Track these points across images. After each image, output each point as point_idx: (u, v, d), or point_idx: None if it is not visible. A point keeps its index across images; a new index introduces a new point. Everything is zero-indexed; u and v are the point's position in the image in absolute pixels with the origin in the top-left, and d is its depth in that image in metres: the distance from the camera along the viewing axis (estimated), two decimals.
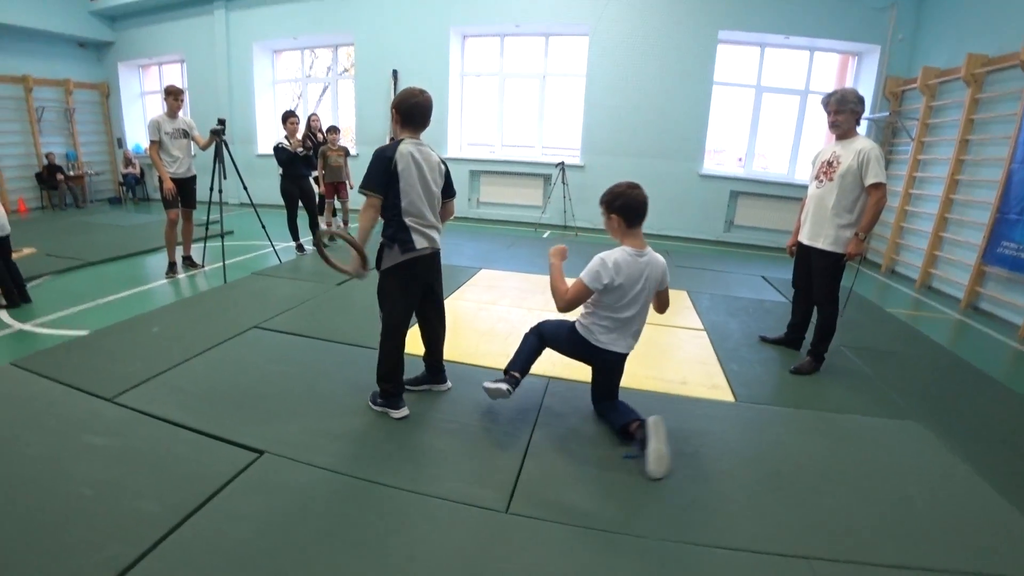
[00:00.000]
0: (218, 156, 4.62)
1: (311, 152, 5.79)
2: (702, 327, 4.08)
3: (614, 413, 2.52)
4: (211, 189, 4.68)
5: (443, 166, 2.57)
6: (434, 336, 2.82)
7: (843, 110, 3.10)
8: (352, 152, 6.77)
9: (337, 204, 6.44)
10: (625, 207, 2.31)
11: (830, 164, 3.18)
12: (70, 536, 1.73)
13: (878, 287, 5.99)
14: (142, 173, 10.57)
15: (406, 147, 2.41)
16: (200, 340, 3.34)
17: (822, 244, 3.21)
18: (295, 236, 5.92)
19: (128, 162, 10.42)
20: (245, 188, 5.08)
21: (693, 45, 7.16)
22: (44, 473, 2.04)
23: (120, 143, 10.69)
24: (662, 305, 2.53)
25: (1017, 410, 3.08)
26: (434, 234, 2.52)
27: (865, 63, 7.07)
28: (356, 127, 8.69)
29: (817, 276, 3.30)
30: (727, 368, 3.36)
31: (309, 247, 5.98)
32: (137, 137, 10.87)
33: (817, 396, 3.07)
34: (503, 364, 2.70)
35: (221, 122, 4.58)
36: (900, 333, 4.32)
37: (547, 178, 8.07)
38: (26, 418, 2.44)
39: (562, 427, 2.58)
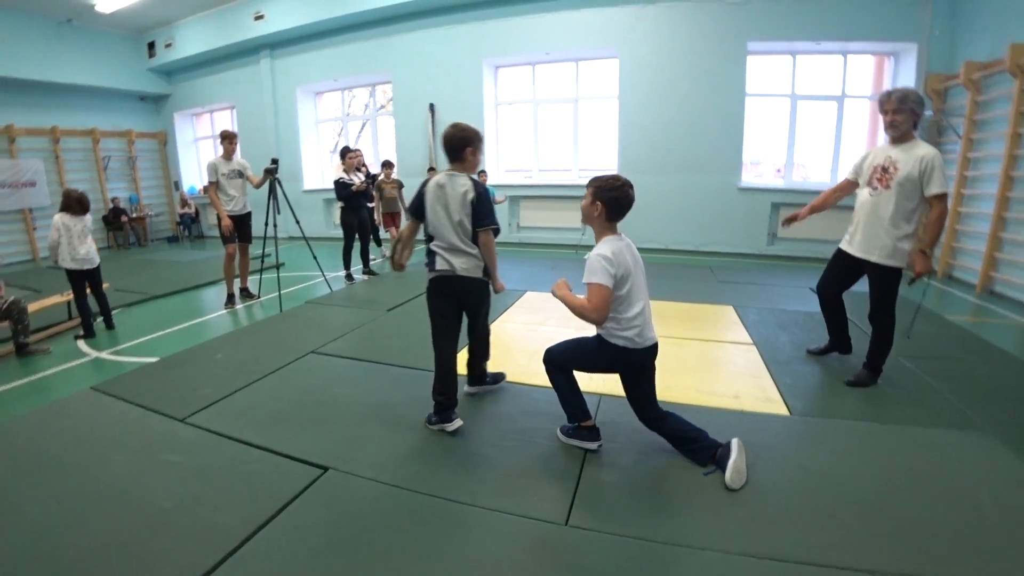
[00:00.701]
0: (272, 193, 4.92)
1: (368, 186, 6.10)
2: (751, 341, 4.00)
3: (683, 437, 2.43)
4: (266, 224, 4.97)
5: (469, 196, 2.60)
6: (472, 354, 3.08)
7: (903, 109, 2.88)
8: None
9: (391, 233, 6.76)
10: (614, 201, 2.29)
11: (885, 170, 2.96)
12: (154, 545, 1.87)
13: (936, 294, 5.73)
14: (197, 213, 11.28)
15: (436, 178, 2.68)
16: (262, 365, 3.53)
17: (877, 257, 3.03)
18: (348, 265, 6.20)
19: (184, 203, 11.15)
20: (297, 222, 5.37)
21: (722, 58, 7.18)
22: (128, 488, 2.21)
23: (177, 186, 11.47)
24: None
25: None
26: (457, 258, 2.64)
27: (903, 62, 6.91)
28: (397, 160, 9.01)
29: (875, 290, 3.12)
30: (780, 382, 3.27)
31: (358, 276, 6.23)
32: (191, 179, 11.62)
33: (876, 408, 2.93)
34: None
35: (275, 161, 4.90)
36: (962, 340, 4.08)
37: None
38: (109, 438, 2.67)
39: (615, 441, 2.57)
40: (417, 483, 2.24)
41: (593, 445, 2.51)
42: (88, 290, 4.48)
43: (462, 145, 2.65)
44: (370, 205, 6.41)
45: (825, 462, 2.42)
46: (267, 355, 3.73)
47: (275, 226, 4.98)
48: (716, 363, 3.63)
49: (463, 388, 3.06)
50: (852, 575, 1.74)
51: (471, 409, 2.94)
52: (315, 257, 5.53)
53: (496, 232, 2.76)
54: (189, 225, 11.22)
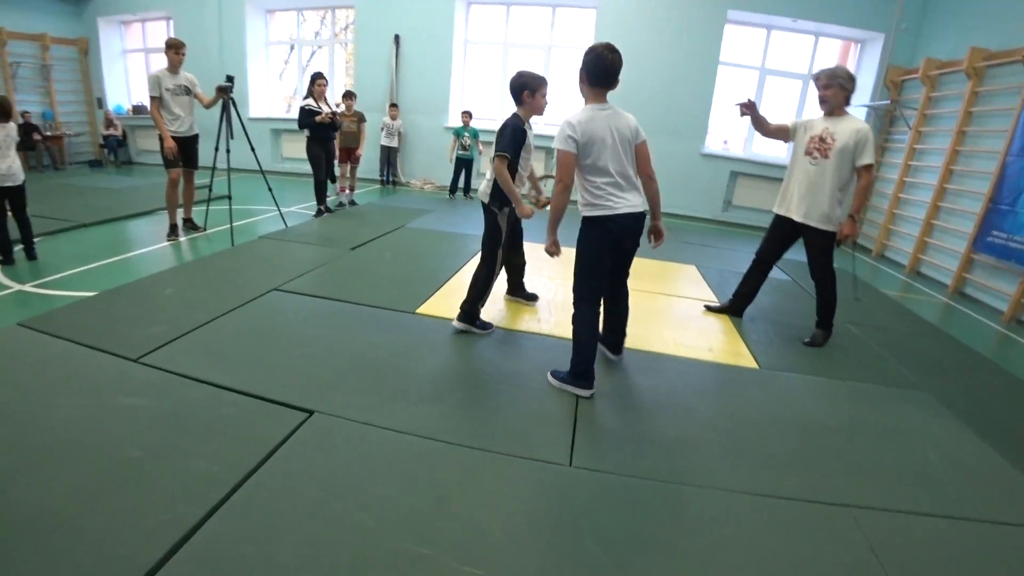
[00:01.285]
0: (225, 115, 4.46)
1: (335, 117, 5.68)
2: (717, 301, 4.17)
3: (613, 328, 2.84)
4: (216, 150, 4.53)
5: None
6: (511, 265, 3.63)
7: (832, 85, 3.11)
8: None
9: (342, 172, 6.39)
10: (591, 64, 2.34)
11: (823, 140, 3.15)
12: (125, 499, 1.66)
13: (869, 270, 6.18)
14: (124, 135, 10.11)
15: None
16: (219, 302, 3.28)
17: (815, 222, 3.26)
18: (321, 199, 5.83)
19: (109, 123, 9.94)
20: (253, 149, 4.92)
21: (701, 23, 7.14)
22: (83, 437, 1.95)
23: (100, 103, 10.17)
24: (643, 163, 2.51)
25: (1008, 385, 3.29)
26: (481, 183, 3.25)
27: (868, 51, 7.17)
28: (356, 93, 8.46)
29: (816, 254, 3.38)
30: (747, 339, 3.49)
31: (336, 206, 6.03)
32: (118, 97, 10.37)
33: (832, 366, 3.22)
34: (547, 328, 3.14)
35: (230, 79, 4.43)
36: (897, 312, 4.52)
37: (550, 152, 8.02)
38: (51, 381, 2.32)
39: (604, 387, 2.66)
40: (414, 427, 2.18)
41: (586, 393, 2.53)
42: (8, 212, 3.93)
43: (519, 88, 2.94)
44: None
45: (794, 411, 2.63)
46: (224, 291, 3.47)
47: (228, 152, 4.55)
48: (688, 318, 3.78)
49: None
50: (829, 509, 1.92)
51: (459, 352, 2.93)
52: (270, 189, 5.14)
53: (506, 160, 2.88)
54: (115, 149, 10.01)
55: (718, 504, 1.91)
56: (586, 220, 2.47)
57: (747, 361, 3.18)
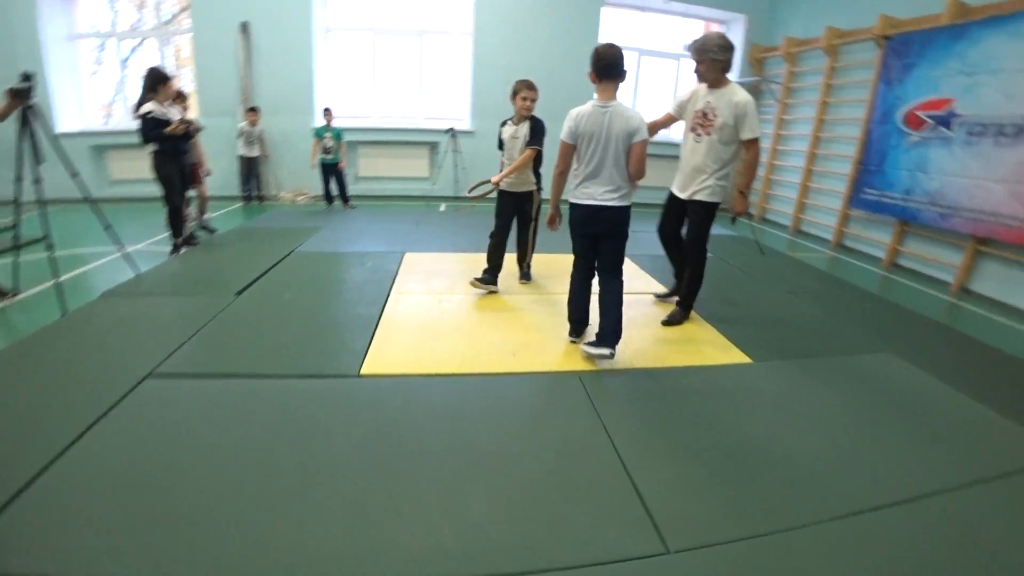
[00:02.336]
0: (27, 131, 3.15)
1: (190, 126, 4.39)
2: (668, 290, 4.00)
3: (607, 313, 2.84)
4: (18, 180, 3.20)
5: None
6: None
7: (703, 59, 3.01)
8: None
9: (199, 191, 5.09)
10: (595, 61, 2.60)
11: (705, 115, 3.07)
12: None
13: (754, 233, 6.62)
14: None
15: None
16: (58, 426, 2.05)
17: (704, 197, 3.17)
18: (179, 230, 4.50)
19: None
20: (76, 175, 3.56)
21: (580, 5, 6.99)
22: None
23: None
24: (634, 162, 2.65)
25: (936, 329, 3.70)
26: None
27: (732, 31, 7.62)
28: (198, 93, 6.90)
29: (695, 226, 3.28)
30: (721, 330, 3.34)
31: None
32: None
33: (807, 344, 3.26)
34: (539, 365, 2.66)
35: (27, 78, 3.07)
36: (808, 272, 4.93)
37: (433, 146, 7.38)
38: None
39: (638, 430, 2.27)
40: None
41: (569, 338, 3.04)
42: None
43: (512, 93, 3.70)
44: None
45: (809, 398, 2.62)
46: (64, 400, 2.25)
47: (37, 183, 3.25)
48: (658, 316, 3.52)
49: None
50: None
51: (462, 425, 2.26)
52: (109, 226, 3.81)
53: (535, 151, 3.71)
54: None
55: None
56: (569, 204, 2.79)
57: (738, 356, 3.03)
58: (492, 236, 3.84)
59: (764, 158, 7.24)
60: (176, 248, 4.50)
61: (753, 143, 3.03)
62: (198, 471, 1.85)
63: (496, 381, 2.61)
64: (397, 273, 4.16)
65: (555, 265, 4.54)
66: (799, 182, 6.60)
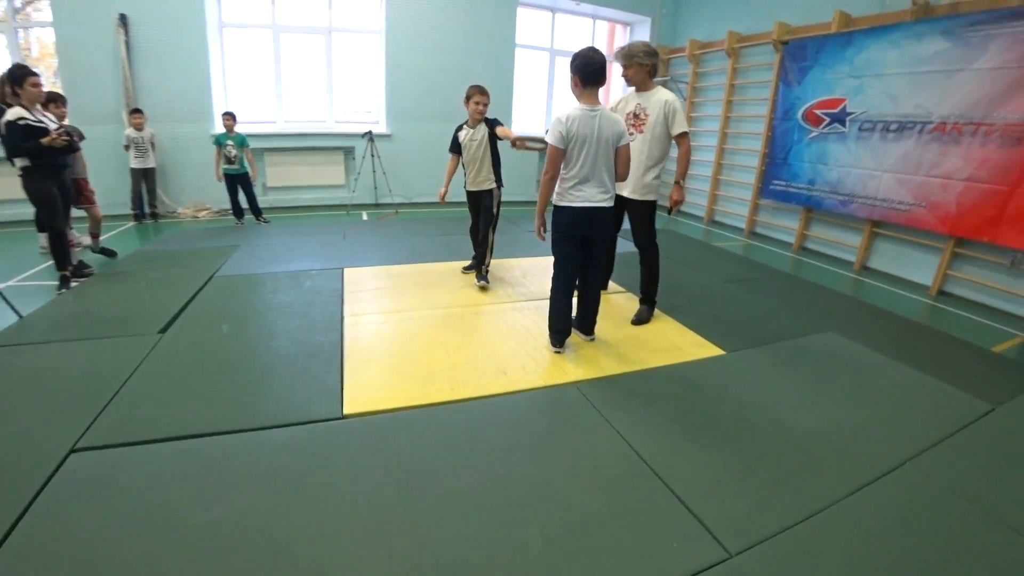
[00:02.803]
0: None
1: (69, 135, 3.59)
2: (622, 288, 4.12)
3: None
4: None
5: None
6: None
7: (631, 64, 3.18)
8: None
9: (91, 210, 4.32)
10: (581, 67, 2.58)
11: (637, 116, 3.25)
12: None
13: (676, 224, 7.02)
14: None
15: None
16: None
17: (641, 195, 3.30)
18: (65, 260, 3.73)
19: None
20: None
21: (496, 5, 6.90)
22: None
23: None
24: (622, 164, 2.77)
25: (864, 308, 4.12)
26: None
27: (638, 33, 7.94)
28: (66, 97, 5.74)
29: (637, 225, 3.41)
30: (687, 325, 3.46)
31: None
32: None
33: (764, 331, 3.48)
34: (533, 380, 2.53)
35: None
36: (737, 262, 5.27)
37: (348, 152, 6.92)
38: None
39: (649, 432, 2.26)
40: None
41: (553, 348, 2.97)
42: None
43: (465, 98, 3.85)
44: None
45: (784, 382, 2.78)
46: None
47: None
48: (625, 316, 3.55)
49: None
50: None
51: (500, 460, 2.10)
52: None
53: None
54: None
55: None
56: (554, 208, 2.81)
57: (712, 349, 3.16)
58: (472, 231, 4.25)
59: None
60: (65, 281, 3.75)
61: (684, 136, 3.20)
62: (174, 570, 1.49)
63: (496, 404, 2.46)
64: (343, 292, 3.81)
65: (504, 269, 4.47)
66: (711, 175, 7.06)
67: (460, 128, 3.93)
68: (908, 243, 4.90)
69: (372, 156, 6.75)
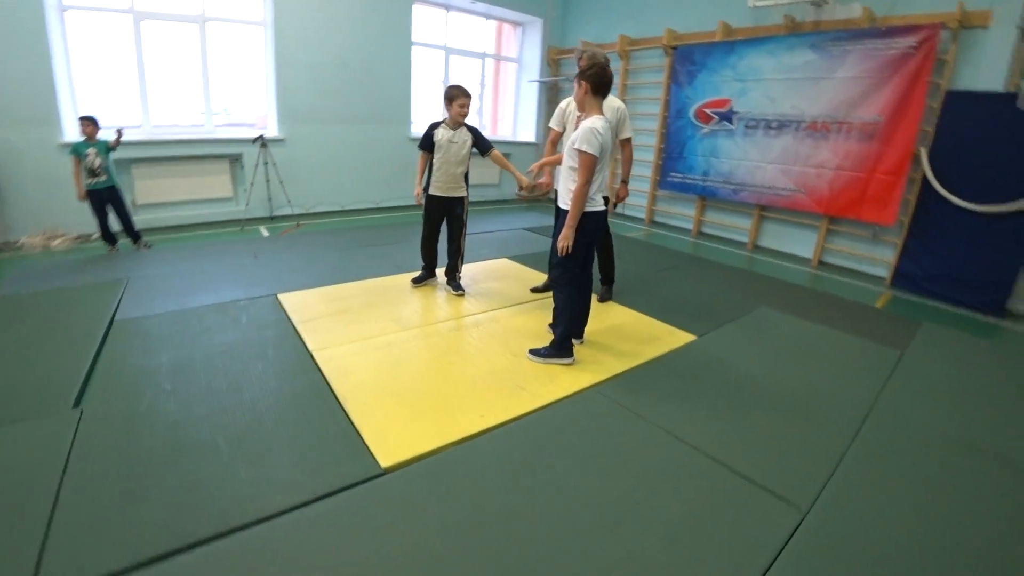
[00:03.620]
0: None
1: None
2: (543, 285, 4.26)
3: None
4: None
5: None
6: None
7: (597, 62, 3.47)
8: None
9: None
10: (595, 76, 2.66)
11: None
12: None
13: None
14: None
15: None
16: None
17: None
18: None
19: None
20: None
21: (390, 2, 6.55)
22: None
23: None
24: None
25: (769, 283, 4.79)
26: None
27: (529, 33, 8.08)
28: None
29: None
30: (653, 316, 3.73)
31: None
32: None
33: (715, 312, 3.93)
34: (555, 391, 2.68)
35: None
36: (660, 252, 5.73)
37: (235, 159, 6.13)
38: None
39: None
40: None
41: (570, 360, 2.94)
42: None
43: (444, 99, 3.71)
44: None
45: (749, 356, 3.23)
46: None
47: None
48: (604, 315, 3.70)
49: None
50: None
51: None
52: None
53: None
54: None
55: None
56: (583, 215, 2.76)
57: (685, 336, 3.45)
58: (424, 240, 4.04)
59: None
60: None
61: (629, 141, 3.59)
62: None
63: (533, 422, 2.42)
64: (292, 323, 3.39)
65: (468, 272, 4.36)
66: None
67: (436, 127, 3.73)
68: (791, 223, 5.74)
69: (265, 164, 6.06)
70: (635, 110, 7.15)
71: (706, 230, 6.64)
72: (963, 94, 4.32)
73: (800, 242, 5.70)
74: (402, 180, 7.30)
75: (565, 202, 2.79)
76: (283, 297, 3.81)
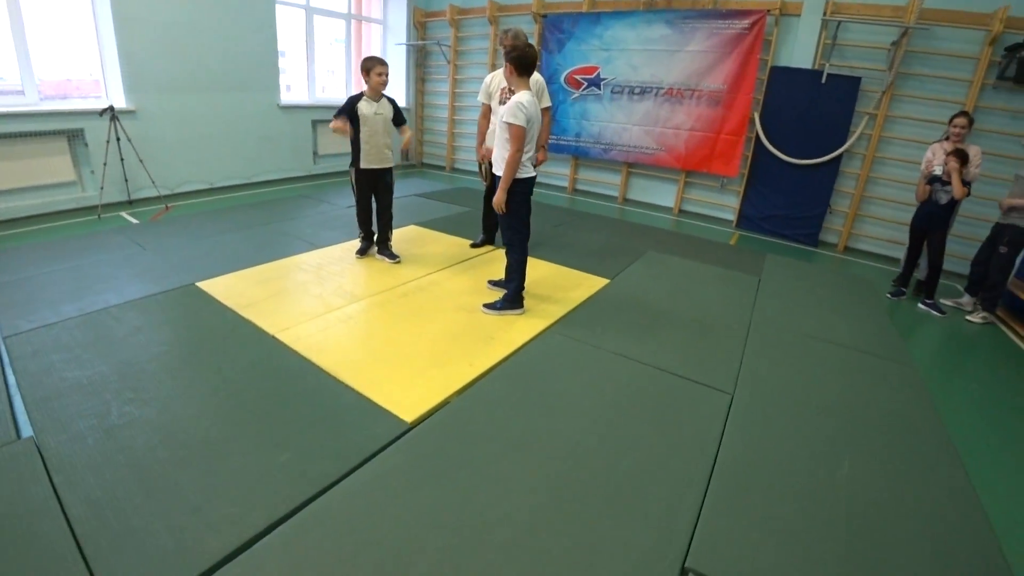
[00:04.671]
0: None
1: None
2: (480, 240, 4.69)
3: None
4: None
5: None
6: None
7: (519, 44, 3.92)
8: None
9: None
10: (518, 59, 2.99)
11: (513, 91, 4.00)
12: None
13: (468, 183, 7.69)
14: None
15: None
16: None
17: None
18: None
19: None
20: None
21: None
22: None
23: None
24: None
25: (643, 231, 5.67)
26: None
27: None
28: None
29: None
30: (569, 265, 4.29)
31: None
32: None
33: (613, 259, 4.55)
34: (524, 333, 3.20)
35: None
36: (547, 209, 6.26)
37: (75, 136, 5.24)
38: None
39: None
40: None
41: (522, 310, 3.37)
42: None
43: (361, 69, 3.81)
44: None
45: (662, 292, 3.91)
46: None
47: None
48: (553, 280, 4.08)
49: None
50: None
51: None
52: None
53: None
54: None
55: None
56: (516, 180, 3.10)
57: (600, 280, 4.04)
58: (361, 212, 4.11)
59: (445, 114, 8.17)
60: None
61: (548, 110, 3.92)
62: None
63: (513, 364, 2.79)
64: (232, 309, 3.25)
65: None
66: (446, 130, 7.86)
67: (359, 99, 3.76)
68: (655, 178, 6.68)
69: (118, 140, 5.30)
70: None
71: (580, 187, 7.38)
72: (783, 69, 5.45)
73: (663, 194, 6.69)
74: (272, 152, 6.87)
75: (500, 169, 3.10)
76: (204, 285, 3.59)
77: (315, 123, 7.33)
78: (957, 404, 2.89)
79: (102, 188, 5.33)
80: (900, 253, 4.74)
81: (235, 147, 6.45)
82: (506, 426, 2.28)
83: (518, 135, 2.93)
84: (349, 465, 1.98)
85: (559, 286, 3.87)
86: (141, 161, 5.49)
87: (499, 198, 3.08)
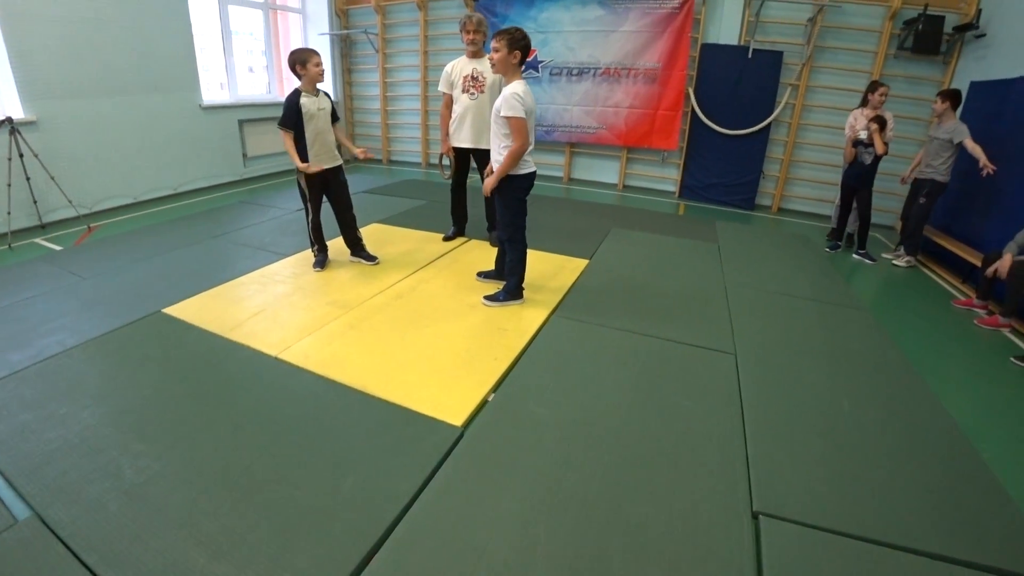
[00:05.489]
0: None
1: None
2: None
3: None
4: None
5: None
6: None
7: (480, 31, 3.91)
8: None
9: None
10: (527, 47, 2.92)
11: (475, 79, 3.99)
12: None
13: (411, 173, 7.55)
14: None
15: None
16: None
17: (486, 144, 3.59)
18: None
19: None
20: None
21: None
22: None
23: None
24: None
25: (601, 209, 5.89)
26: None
27: None
28: None
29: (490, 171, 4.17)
30: (543, 250, 4.36)
31: None
32: None
33: (584, 240, 4.69)
34: (529, 324, 3.30)
35: None
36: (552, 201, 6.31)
37: None
38: None
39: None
40: None
41: (521, 300, 3.42)
42: None
43: (292, 64, 3.47)
44: None
45: (646, 270, 4.16)
46: None
47: None
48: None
49: None
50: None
51: None
52: None
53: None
54: None
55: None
56: (512, 177, 3.06)
57: (581, 262, 4.17)
58: (315, 219, 3.85)
59: (377, 105, 7.91)
60: None
61: None
62: None
63: (535, 352, 2.85)
64: (217, 334, 3.05)
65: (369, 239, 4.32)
66: (419, 122, 7.70)
67: (299, 95, 3.49)
68: (597, 156, 6.90)
69: (20, 156, 4.67)
70: (439, 61, 7.34)
71: None
72: (713, 46, 5.80)
73: (606, 171, 6.94)
74: (198, 158, 6.35)
75: (498, 163, 3.07)
76: (172, 311, 3.30)
77: (241, 123, 6.83)
78: (903, 335, 3.34)
79: (9, 213, 4.70)
80: (828, 211, 5.30)
81: (157, 155, 5.89)
82: (553, 411, 2.37)
83: (520, 127, 2.88)
84: (421, 478, 1.94)
85: (545, 272, 3.95)
86: (52, 178, 4.88)
87: (489, 184, 3.09)
